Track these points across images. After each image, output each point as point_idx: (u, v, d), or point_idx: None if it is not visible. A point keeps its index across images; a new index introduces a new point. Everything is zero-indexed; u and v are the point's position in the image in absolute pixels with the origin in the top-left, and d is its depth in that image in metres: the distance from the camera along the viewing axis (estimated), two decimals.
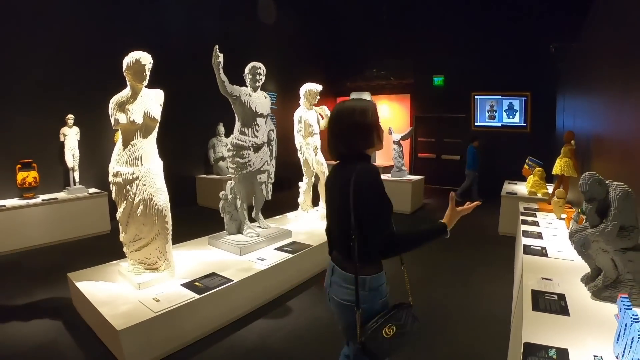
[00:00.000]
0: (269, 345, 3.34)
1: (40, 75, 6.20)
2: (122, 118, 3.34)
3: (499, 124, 10.89)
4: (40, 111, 6.25)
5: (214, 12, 9.10)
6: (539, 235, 3.78)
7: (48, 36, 6.25)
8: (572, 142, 5.28)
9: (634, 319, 1.52)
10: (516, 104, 10.62)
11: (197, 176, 9.12)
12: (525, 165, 7.30)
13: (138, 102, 3.42)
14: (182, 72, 7.99)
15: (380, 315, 1.69)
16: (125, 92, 3.44)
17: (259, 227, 4.99)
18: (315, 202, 6.33)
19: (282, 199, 7.17)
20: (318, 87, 5.64)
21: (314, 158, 5.79)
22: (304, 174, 5.94)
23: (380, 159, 11.73)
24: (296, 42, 11.64)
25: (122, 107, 3.38)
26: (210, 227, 5.25)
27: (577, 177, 4.84)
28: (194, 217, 7.81)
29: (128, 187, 3.44)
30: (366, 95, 10.89)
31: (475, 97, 11.04)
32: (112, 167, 3.49)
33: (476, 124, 11.15)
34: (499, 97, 10.80)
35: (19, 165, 5.89)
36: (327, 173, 5.86)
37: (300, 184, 6.07)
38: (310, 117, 5.67)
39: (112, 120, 3.38)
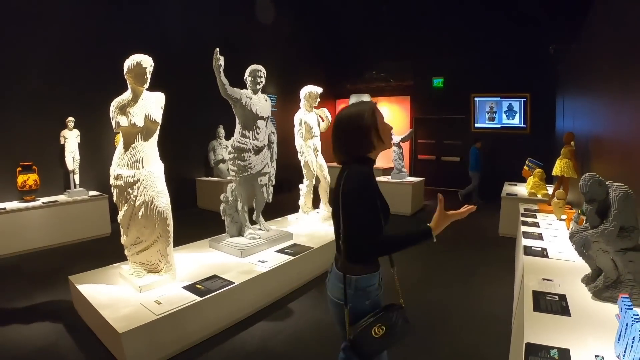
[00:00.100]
0: (270, 348, 3.35)
1: (40, 78, 6.22)
2: (123, 121, 3.35)
3: (499, 126, 10.91)
4: (41, 114, 6.27)
5: (214, 14, 9.12)
6: (539, 236, 3.78)
7: (48, 39, 6.27)
8: (572, 143, 5.29)
9: (634, 318, 1.52)
10: (516, 105, 10.64)
11: (198, 179, 9.13)
12: (525, 167, 7.30)
13: (139, 105, 3.43)
14: (182, 74, 8.00)
15: (370, 314, 1.72)
16: (126, 95, 3.46)
17: (260, 229, 4.99)
18: (315, 204, 6.34)
19: (283, 201, 7.17)
20: (318, 90, 5.65)
21: (314, 160, 5.80)
22: (305, 176, 5.95)
23: (381, 161, 11.70)
24: (296, 44, 11.67)
25: (123, 110, 3.39)
26: (211, 229, 5.25)
27: (577, 178, 4.85)
28: (195, 219, 7.81)
29: (129, 190, 3.45)
30: (366, 97, 10.88)
31: (475, 98, 11.06)
32: (113, 170, 3.50)
33: (476, 125, 11.17)
34: (499, 98, 10.82)
35: (19, 168, 5.92)
36: (327, 175, 5.87)
37: (300, 186, 6.07)
38: (311, 119, 5.68)
39: (113, 123, 3.39)
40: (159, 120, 3.52)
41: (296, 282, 4.48)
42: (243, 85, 4.56)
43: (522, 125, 10.59)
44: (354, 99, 10.91)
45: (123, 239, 3.65)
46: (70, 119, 6.36)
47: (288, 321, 3.81)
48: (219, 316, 3.53)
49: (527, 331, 1.86)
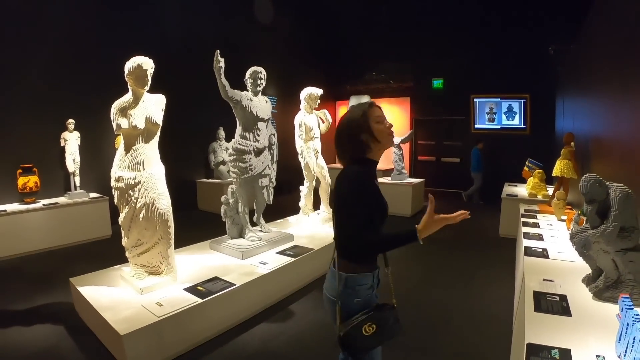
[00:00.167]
0: (271, 349, 3.35)
1: (41, 80, 6.23)
2: (124, 123, 3.36)
3: (499, 126, 10.91)
4: (41, 116, 6.29)
5: (214, 16, 9.14)
6: (539, 237, 3.79)
7: (49, 41, 6.29)
8: (572, 143, 5.30)
9: (635, 318, 1.53)
10: (515, 106, 10.64)
11: (198, 180, 9.14)
12: (525, 167, 7.31)
13: (140, 107, 3.44)
14: (182, 76, 8.01)
15: (362, 312, 1.74)
16: (127, 97, 3.46)
17: (261, 231, 5.00)
18: (316, 206, 6.35)
19: (283, 203, 7.18)
20: (318, 91, 5.66)
21: (314, 162, 5.81)
22: (305, 178, 5.95)
23: (381, 162, 11.58)
24: (296, 46, 11.69)
25: (123, 112, 3.40)
26: (211, 231, 5.26)
27: (577, 179, 4.86)
28: (195, 221, 7.81)
29: (130, 192, 3.46)
30: (365, 99, 10.90)
31: (475, 99, 11.07)
32: (114, 172, 3.51)
33: (476, 126, 11.17)
34: (498, 99, 10.82)
35: (19, 170, 5.92)
36: (327, 177, 5.88)
37: (301, 187, 6.07)
38: (311, 121, 5.69)
39: (114, 125, 3.39)
40: (160, 122, 3.53)
41: (297, 284, 4.49)
42: (243, 87, 4.57)
43: (522, 126, 10.59)
44: (353, 100, 10.95)
45: (124, 241, 3.65)
46: (71, 121, 6.38)
47: (289, 323, 3.82)
48: (220, 318, 3.53)
49: (528, 331, 1.87)
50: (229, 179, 7.99)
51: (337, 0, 11.15)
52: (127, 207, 3.51)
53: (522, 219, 4.61)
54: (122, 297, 3.39)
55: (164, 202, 3.53)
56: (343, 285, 1.78)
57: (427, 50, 11.34)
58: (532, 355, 1.66)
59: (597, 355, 1.64)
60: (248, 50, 9.34)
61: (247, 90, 4.58)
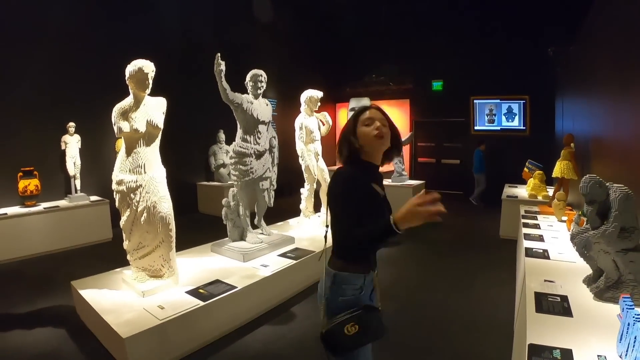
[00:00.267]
0: (273, 352, 3.35)
1: (41, 84, 6.25)
2: (125, 126, 3.37)
3: (499, 128, 10.92)
4: (42, 119, 6.30)
5: (214, 19, 9.18)
6: (540, 238, 3.79)
7: (49, 44, 6.31)
8: (572, 144, 5.31)
9: (636, 318, 1.54)
10: (515, 107, 10.66)
11: (198, 183, 9.15)
12: (525, 169, 7.32)
13: (141, 111, 3.45)
14: (182, 79, 8.05)
15: (348, 312, 1.73)
16: (128, 101, 3.48)
17: (262, 233, 5.00)
18: (317, 208, 6.35)
19: (284, 205, 7.18)
20: (319, 94, 5.67)
21: (315, 164, 5.82)
22: (306, 181, 5.96)
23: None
24: (295, 48, 11.72)
25: (125, 115, 3.41)
26: (212, 234, 5.26)
27: (577, 180, 4.86)
28: (196, 224, 7.82)
29: (131, 195, 3.47)
30: (365, 101, 10.92)
31: (474, 101, 11.08)
32: (116, 175, 3.51)
33: (475, 128, 11.18)
34: (498, 100, 10.84)
35: (20, 173, 5.93)
36: (328, 179, 5.88)
37: (302, 190, 6.08)
38: (311, 123, 5.70)
39: (115, 128, 3.40)
40: (161, 125, 3.54)
41: (298, 286, 4.49)
42: (244, 90, 4.58)
43: (522, 128, 10.61)
44: (353, 102, 10.96)
45: (125, 244, 3.66)
46: (71, 124, 6.39)
47: (290, 325, 3.82)
48: (221, 320, 3.53)
49: (530, 332, 1.87)
50: (229, 182, 8.00)
51: (337, 3, 11.16)
52: (128, 210, 3.51)
53: (523, 220, 4.62)
54: (123, 300, 3.40)
55: (166, 205, 3.53)
56: (331, 282, 1.79)
57: (427, 52, 11.35)
58: (534, 355, 1.67)
59: (598, 355, 1.65)
60: (248, 53, 9.37)
61: (248, 93, 4.59)
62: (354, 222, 1.67)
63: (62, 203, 6.40)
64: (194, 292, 3.53)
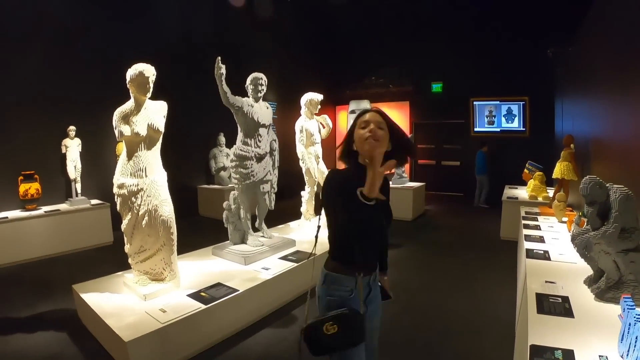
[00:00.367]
0: (275, 355, 3.35)
1: (41, 87, 6.27)
2: (126, 130, 3.38)
3: (498, 129, 10.94)
4: (42, 123, 6.32)
5: (214, 22, 9.21)
6: (541, 239, 3.80)
7: (49, 48, 6.33)
8: (572, 145, 5.32)
9: (637, 318, 1.54)
10: (515, 108, 10.69)
11: (199, 186, 9.15)
12: (525, 170, 7.33)
13: (142, 114, 3.46)
14: (183, 83, 8.06)
15: (333, 311, 1.74)
16: (129, 104, 3.48)
17: (263, 236, 5.00)
18: (317, 210, 6.35)
19: (284, 208, 7.19)
20: (319, 97, 5.68)
21: (315, 167, 5.82)
22: (306, 183, 5.97)
23: None
24: (295, 51, 11.75)
25: (126, 119, 3.42)
26: (213, 237, 5.26)
27: (577, 181, 4.87)
28: (196, 227, 7.83)
29: (133, 199, 3.47)
30: (365, 104, 10.94)
31: (474, 102, 11.11)
32: (117, 179, 3.52)
33: (475, 129, 11.21)
34: (498, 102, 10.87)
35: (21, 177, 5.94)
36: None
37: (302, 193, 6.09)
38: (312, 126, 5.70)
39: (116, 132, 3.41)
40: (162, 129, 3.55)
41: (299, 289, 4.49)
42: (244, 93, 4.59)
43: (522, 129, 10.63)
44: (353, 105, 10.97)
45: (127, 248, 3.66)
46: (72, 127, 6.40)
47: (292, 328, 3.81)
48: (223, 323, 3.54)
49: (532, 333, 1.88)
50: (229, 185, 8.02)
51: (337, 5, 11.19)
52: (129, 213, 3.52)
53: (523, 222, 4.63)
54: (125, 303, 3.40)
55: (167, 209, 3.54)
56: (322, 280, 1.84)
57: (426, 54, 11.39)
58: (536, 356, 1.67)
59: (600, 356, 1.65)
60: (248, 56, 9.39)
61: (248, 97, 4.61)
62: (332, 216, 1.75)
63: (63, 206, 6.41)
64: (196, 296, 3.53)
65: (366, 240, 1.79)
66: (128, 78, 3.42)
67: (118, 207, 3.59)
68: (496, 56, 10.30)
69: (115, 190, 3.53)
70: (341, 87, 13.15)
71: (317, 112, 5.77)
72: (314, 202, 6.18)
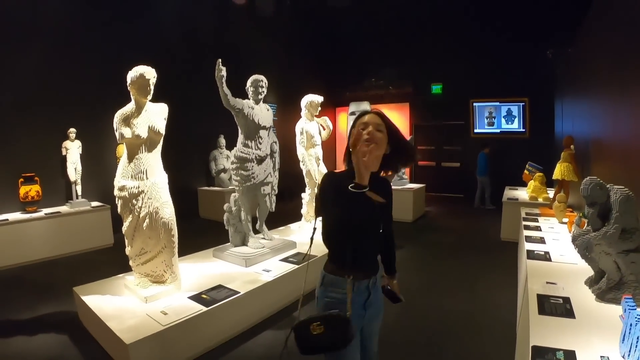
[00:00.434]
0: (276, 357, 3.34)
1: (42, 89, 6.28)
2: (127, 132, 3.38)
3: (498, 130, 10.96)
4: (42, 125, 6.33)
5: (214, 24, 9.23)
6: (541, 240, 3.80)
7: (49, 50, 6.34)
8: (572, 146, 5.33)
9: (638, 318, 1.54)
10: (515, 109, 10.70)
11: (199, 188, 9.16)
12: (525, 171, 7.34)
13: (142, 117, 3.46)
14: (183, 85, 8.07)
15: (321, 312, 1.76)
16: (130, 107, 3.49)
17: (264, 238, 5.00)
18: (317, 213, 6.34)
19: (285, 210, 7.19)
20: (319, 99, 5.68)
21: (316, 169, 5.82)
22: (307, 185, 5.97)
23: None
24: (295, 53, 11.78)
25: (126, 121, 3.42)
26: (213, 239, 5.27)
27: (577, 181, 4.88)
28: (197, 229, 7.82)
29: (134, 201, 3.47)
30: (365, 105, 10.95)
31: (474, 104, 11.13)
32: (118, 181, 3.52)
33: (475, 130, 11.22)
34: (498, 103, 10.89)
35: (21, 179, 5.95)
36: None
37: (303, 195, 6.09)
38: (312, 128, 5.70)
39: (117, 134, 3.41)
40: (163, 131, 3.55)
41: (300, 291, 4.48)
42: (244, 96, 4.60)
43: (522, 130, 10.65)
44: (353, 107, 10.98)
45: (128, 250, 3.66)
46: (72, 130, 6.41)
47: None
48: (225, 326, 3.54)
49: (533, 334, 1.88)
50: (230, 187, 8.02)
51: (336, 7, 11.22)
52: (130, 216, 3.52)
53: (524, 223, 4.63)
54: (126, 306, 3.40)
55: (168, 211, 3.54)
56: (320, 282, 1.86)
57: (426, 55, 11.42)
58: (538, 357, 1.68)
59: (601, 356, 1.66)
60: (248, 58, 9.40)
61: (249, 99, 4.61)
62: (327, 218, 1.73)
63: (63, 209, 6.41)
64: (197, 298, 3.53)
65: (359, 242, 1.76)
66: (129, 80, 3.42)
67: (119, 210, 3.59)
68: (496, 57, 10.32)
69: (116, 192, 3.53)
70: (341, 89, 13.17)
71: (317, 114, 5.77)
72: (314, 204, 6.17)
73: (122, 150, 3.63)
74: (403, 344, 3.48)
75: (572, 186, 5.22)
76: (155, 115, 3.53)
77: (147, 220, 3.47)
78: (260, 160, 4.61)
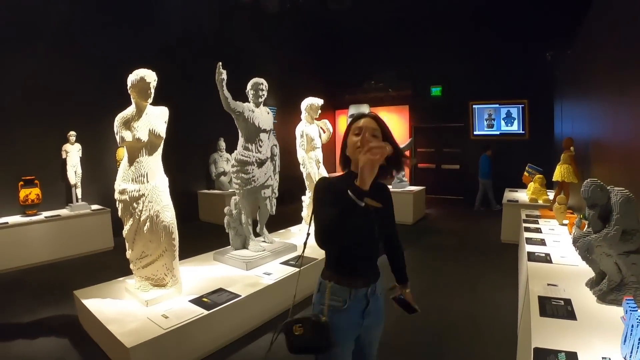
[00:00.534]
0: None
1: (41, 92, 6.29)
2: (128, 136, 3.39)
3: (498, 132, 10.96)
4: (42, 128, 6.33)
5: (215, 27, 9.25)
6: (542, 242, 3.80)
7: (50, 53, 6.35)
8: (572, 148, 5.34)
9: (639, 320, 1.55)
10: (514, 111, 10.71)
11: (199, 191, 9.15)
12: (525, 173, 7.35)
13: (143, 120, 3.46)
14: (183, 88, 8.08)
15: (302, 314, 1.75)
16: (130, 110, 3.49)
17: (264, 241, 5.00)
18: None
19: (285, 213, 7.19)
20: (319, 102, 5.69)
21: (316, 172, 5.82)
22: (307, 188, 5.97)
23: None
24: (295, 56, 11.79)
25: (127, 124, 3.42)
26: (214, 242, 5.26)
27: (577, 183, 4.88)
28: (197, 232, 7.82)
29: (134, 205, 3.47)
30: (364, 108, 10.97)
31: (473, 106, 11.14)
32: (118, 185, 3.52)
33: (475, 133, 11.22)
34: (497, 105, 10.89)
35: (21, 182, 5.95)
36: None
37: (303, 197, 6.09)
38: (312, 131, 5.71)
39: (117, 138, 3.42)
40: (163, 134, 3.56)
41: (301, 294, 4.47)
42: (244, 99, 4.61)
43: (521, 132, 10.65)
44: (353, 109, 11.00)
45: (128, 254, 3.66)
46: (72, 133, 6.42)
47: None
48: (226, 329, 3.53)
49: (535, 336, 1.88)
50: (230, 190, 8.02)
51: (336, 10, 11.24)
52: (131, 219, 3.52)
53: (524, 225, 4.63)
54: (127, 309, 3.39)
55: (169, 214, 3.54)
56: (317, 288, 1.84)
57: (425, 57, 11.43)
58: (540, 359, 1.68)
59: (603, 358, 1.66)
60: (248, 61, 9.42)
61: (249, 102, 4.62)
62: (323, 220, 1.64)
63: (63, 212, 6.40)
64: (198, 301, 3.53)
65: (354, 249, 1.73)
66: (129, 83, 3.42)
67: (119, 213, 3.59)
68: (495, 59, 10.34)
69: (116, 196, 3.53)
70: (341, 92, 13.19)
71: (317, 116, 5.78)
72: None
73: (122, 154, 3.63)
74: (403, 346, 3.47)
75: (572, 188, 5.22)
76: (155, 119, 3.53)
77: (147, 223, 3.47)
78: (261, 163, 4.62)
